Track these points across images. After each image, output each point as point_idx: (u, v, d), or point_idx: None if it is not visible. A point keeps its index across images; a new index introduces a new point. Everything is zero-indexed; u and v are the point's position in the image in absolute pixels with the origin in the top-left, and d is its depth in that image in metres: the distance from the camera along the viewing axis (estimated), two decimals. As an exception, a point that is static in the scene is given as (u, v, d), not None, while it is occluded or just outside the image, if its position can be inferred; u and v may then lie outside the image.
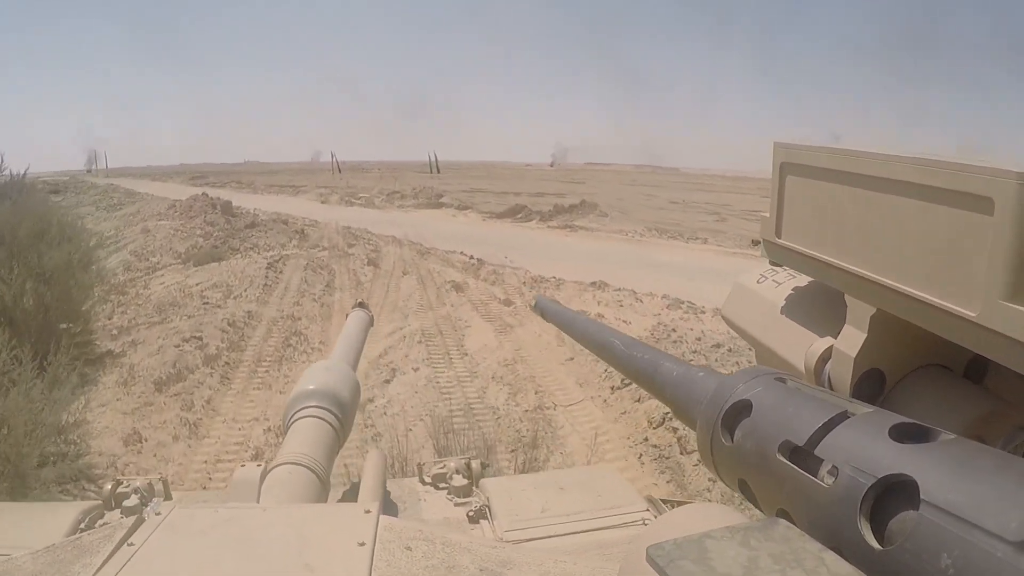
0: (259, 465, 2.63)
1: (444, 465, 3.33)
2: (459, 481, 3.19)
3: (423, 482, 3.30)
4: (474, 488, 3.20)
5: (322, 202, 52.94)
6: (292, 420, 3.12)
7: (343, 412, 3.26)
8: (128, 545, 1.64)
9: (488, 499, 3.02)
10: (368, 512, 1.85)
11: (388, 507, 2.98)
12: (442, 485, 3.25)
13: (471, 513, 2.92)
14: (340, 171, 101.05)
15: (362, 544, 1.68)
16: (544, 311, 3.12)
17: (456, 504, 3.09)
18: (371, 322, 5.04)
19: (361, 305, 5.11)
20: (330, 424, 3.12)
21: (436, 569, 1.63)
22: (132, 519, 1.78)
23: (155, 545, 1.66)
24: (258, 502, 2.41)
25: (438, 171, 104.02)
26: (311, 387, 3.26)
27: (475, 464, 3.32)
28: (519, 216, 41.56)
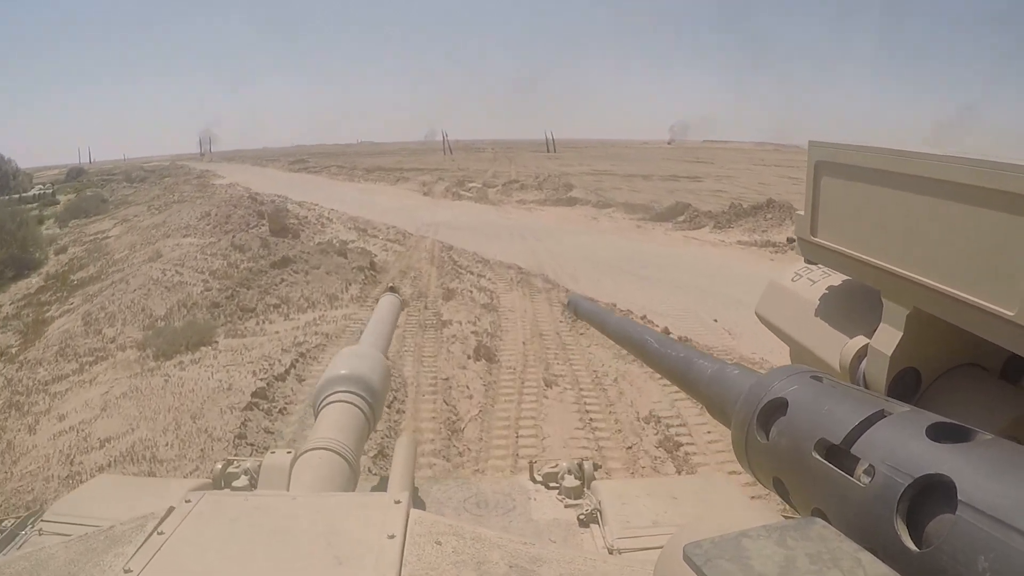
0: (289, 452, 2.46)
1: (556, 464, 3.06)
2: (571, 482, 2.90)
3: (534, 480, 3.03)
4: (585, 490, 2.89)
5: (424, 193, 40.71)
6: (322, 405, 2.92)
7: (374, 397, 3.03)
8: (158, 534, 1.55)
9: (600, 503, 2.73)
10: (398, 503, 1.71)
11: (465, 506, 2.91)
12: (553, 485, 2.97)
13: (582, 516, 2.66)
14: (451, 152, 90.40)
15: (392, 537, 1.56)
16: (577, 309, 2.94)
17: (567, 506, 2.82)
18: (402, 307, 4.58)
19: (392, 289, 4.69)
20: (360, 409, 2.91)
21: (466, 564, 1.51)
22: (165, 508, 1.66)
23: (185, 533, 1.57)
24: (287, 489, 2.25)
25: (554, 150, 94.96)
26: (343, 372, 3.04)
27: (587, 465, 3.03)
28: (682, 219, 28.31)
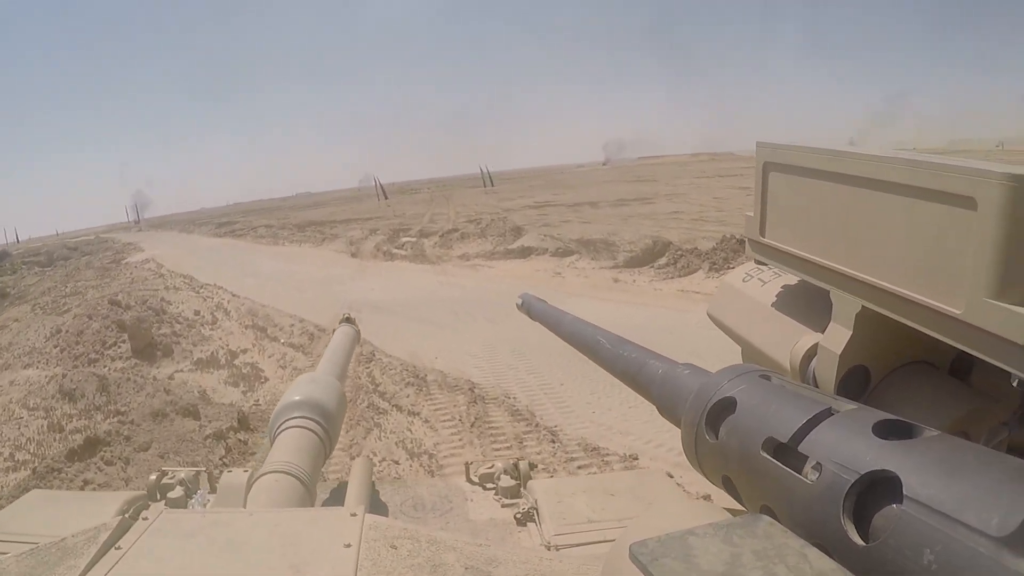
0: (245, 471, 2.51)
1: (492, 465, 3.17)
2: (507, 482, 3.03)
3: (470, 481, 3.14)
4: (522, 489, 3.01)
5: (352, 255, 34.07)
6: (278, 431, 2.87)
7: (329, 423, 2.98)
8: (115, 548, 1.53)
9: (536, 501, 2.81)
10: (354, 515, 1.70)
11: (408, 509, 2.92)
12: (489, 485, 3.09)
13: (519, 515, 2.76)
14: (386, 196, 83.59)
15: (348, 545, 1.55)
16: (530, 310, 2.87)
17: (503, 505, 2.92)
18: (358, 337, 4.66)
19: (348, 320, 4.68)
20: (316, 434, 2.86)
21: (422, 568, 1.52)
22: (118, 520, 1.65)
23: (142, 549, 1.55)
24: (244, 507, 2.23)
25: (492, 184, 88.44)
26: (297, 398, 3.00)
27: (523, 465, 3.14)
28: (664, 263, 22.10)
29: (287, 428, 2.84)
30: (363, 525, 1.63)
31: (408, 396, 11.59)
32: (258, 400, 12.65)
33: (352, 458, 7.91)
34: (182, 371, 15.16)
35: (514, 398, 11.32)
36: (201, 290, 26.05)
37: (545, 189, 76.20)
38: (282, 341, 16.71)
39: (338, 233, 44.57)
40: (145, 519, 1.66)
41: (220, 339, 17.66)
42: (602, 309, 16.68)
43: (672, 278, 20.39)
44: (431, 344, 15.06)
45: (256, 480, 2.38)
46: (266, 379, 14.13)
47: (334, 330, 4.58)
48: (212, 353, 16.08)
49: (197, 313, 21.09)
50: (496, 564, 1.57)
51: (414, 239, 35.49)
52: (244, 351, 16.37)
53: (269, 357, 15.72)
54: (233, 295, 23.89)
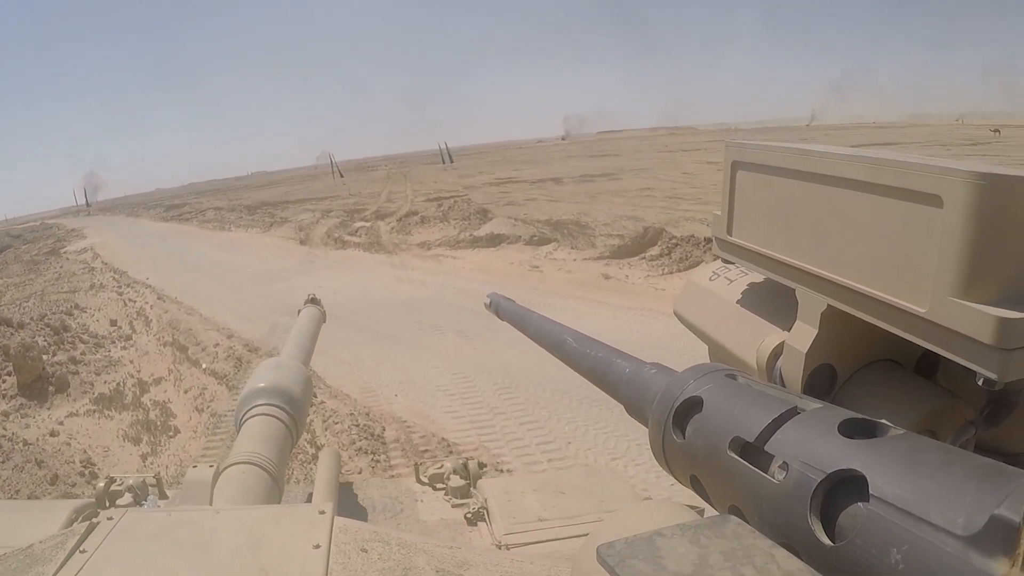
0: (211, 466, 2.35)
1: (442, 465, 3.09)
2: (456, 482, 2.95)
3: (420, 482, 3.06)
4: (472, 489, 2.95)
5: (301, 241, 30.29)
6: (244, 419, 2.78)
7: (295, 409, 2.90)
8: (80, 552, 1.46)
9: (486, 501, 2.77)
10: (322, 513, 1.64)
11: (356, 509, 2.85)
12: (439, 486, 3.02)
13: (469, 515, 2.71)
14: (342, 175, 79.33)
15: (317, 546, 1.50)
16: (498, 309, 2.70)
17: (454, 505, 2.86)
18: (323, 318, 4.53)
19: (313, 300, 4.60)
20: (282, 422, 2.79)
21: (392, 571, 1.48)
22: (85, 525, 1.57)
23: (108, 551, 1.48)
24: (211, 503, 2.16)
25: (451, 160, 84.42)
26: (262, 385, 2.91)
27: (472, 464, 3.06)
28: (656, 252, 18.72)
29: (253, 416, 2.73)
30: (332, 525, 1.57)
31: (360, 472, 8.09)
32: (159, 473, 9.09)
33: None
34: (77, 414, 11.49)
35: (507, 467, 7.96)
36: (125, 291, 22.21)
37: (505, 165, 73.27)
38: (203, 367, 13.08)
39: (288, 216, 40.61)
40: (110, 519, 1.57)
41: (131, 363, 13.97)
42: (598, 318, 13.32)
43: (671, 273, 16.96)
44: (389, 372, 11.58)
45: (223, 471, 2.28)
46: (176, 431, 10.58)
47: (299, 311, 4.36)
48: (118, 385, 12.41)
49: (113, 324, 17.32)
50: (467, 567, 1.54)
51: (369, 224, 31.78)
52: (157, 381, 12.79)
53: (185, 392, 12.13)
54: (159, 298, 20.12)
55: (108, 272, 27.76)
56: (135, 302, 20.10)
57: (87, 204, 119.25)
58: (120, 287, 23.38)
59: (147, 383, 12.68)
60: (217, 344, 14.09)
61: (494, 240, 22.90)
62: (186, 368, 13.29)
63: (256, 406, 2.78)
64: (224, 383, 11.94)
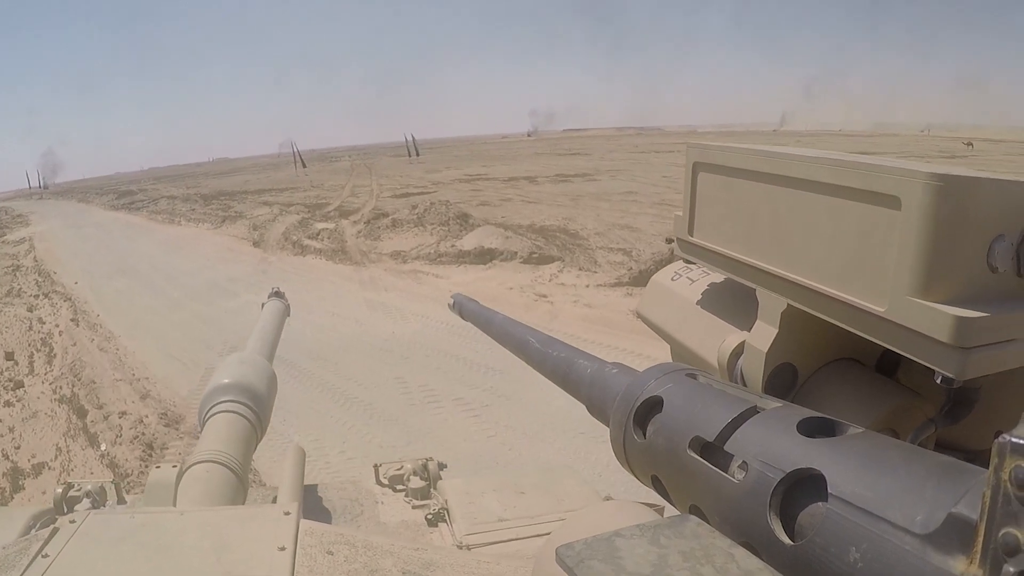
0: (175, 466, 2.24)
1: (401, 466, 2.96)
2: (416, 483, 2.84)
3: (380, 484, 2.94)
4: (432, 490, 2.84)
5: (255, 243, 26.11)
6: (207, 416, 2.64)
7: (260, 406, 2.76)
8: (43, 556, 1.39)
9: (447, 502, 2.69)
10: (288, 514, 1.58)
11: (320, 512, 2.72)
12: (399, 487, 2.89)
13: (429, 516, 2.61)
14: (304, 165, 74.78)
15: (283, 548, 1.43)
16: (462, 310, 2.58)
17: (414, 507, 2.75)
18: (287, 311, 4.29)
19: (277, 294, 4.31)
20: (246, 419, 2.64)
21: (359, 573, 1.43)
22: (48, 530, 1.49)
23: (70, 555, 1.40)
24: (175, 504, 2.07)
25: (417, 154, 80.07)
26: (226, 381, 2.76)
27: (432, 465, 2.94)
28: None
29: (216, 413, 2.62)
30: (298, 527, 1.51)
31: None
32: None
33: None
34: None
35: None
36: (41, 304, 17.96)
37: (473, 160, 70.16)
38: (103, 448, 9.13)
39: (244, 211, 36.22)
40: (72, 523, 1.51)
41: (11, 431, 9.95)
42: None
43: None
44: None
45: (186, 470, 2.21)
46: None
47: (263, 305, 4.18)
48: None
49: (9, 358, 13.20)
50: (433, 568, 1.52)
51: (332, 226, 27.68)
52: (37, 470, 8.80)
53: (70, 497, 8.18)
54: (73, 319, 15.95)
55: (32, 275, 23.44)
56: (44, 324, 15.90)
57: (41, 187, 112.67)
58: (38, 296, 19.16)
59: (24, 473, 8.70)
60: (124, 413, 10.06)
61: (484, 256, 18.86)
62: (79, 448, 9.30)
63: (220, 403, 2.63)
64: (124, 485, 8.03)
